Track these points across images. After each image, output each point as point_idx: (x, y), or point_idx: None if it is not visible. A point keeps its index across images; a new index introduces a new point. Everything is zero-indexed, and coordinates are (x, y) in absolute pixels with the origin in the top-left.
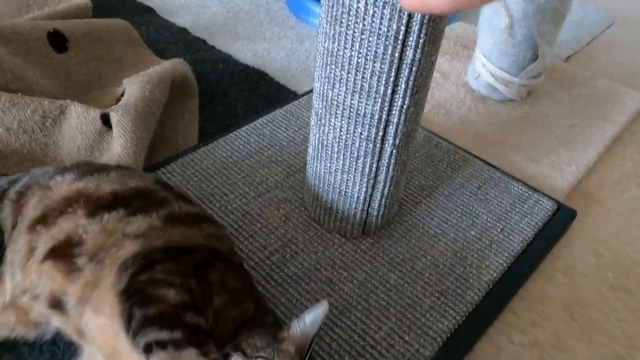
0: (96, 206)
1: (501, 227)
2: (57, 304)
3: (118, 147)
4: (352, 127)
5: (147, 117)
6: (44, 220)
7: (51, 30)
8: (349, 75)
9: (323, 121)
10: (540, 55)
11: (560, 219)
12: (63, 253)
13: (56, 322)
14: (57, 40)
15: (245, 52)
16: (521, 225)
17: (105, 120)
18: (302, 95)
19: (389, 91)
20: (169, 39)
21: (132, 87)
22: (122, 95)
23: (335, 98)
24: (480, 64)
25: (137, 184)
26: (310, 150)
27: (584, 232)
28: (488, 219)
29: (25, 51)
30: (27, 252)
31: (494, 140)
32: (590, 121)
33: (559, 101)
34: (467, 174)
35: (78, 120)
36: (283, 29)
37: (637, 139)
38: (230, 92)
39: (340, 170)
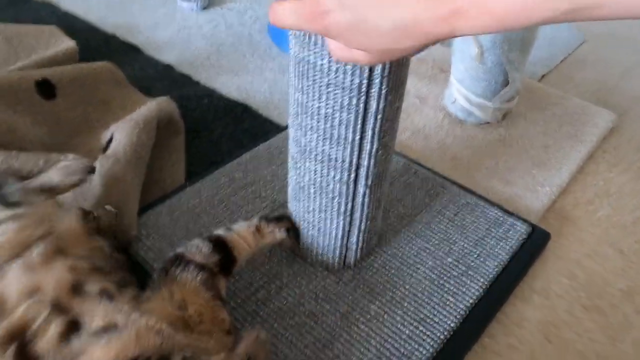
0: None
1: (477, 252)
2: None
3: (112, 197)
4: (325, 171)
5: (137, 163)
6: None
7: (39, 79)
8: (319, 124)
9: (299, 164)
10: (511, 82)
11: (535, 242)
12: None
13: None
14: (45, 88)
15: (229, 85)
16: (496, 249)
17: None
18: (285, 128)
19: (357, 138)
20: (154, 76)
21: (121, 134)
22: (110, 141)
23: (308, 144)
24: (455, 89)
25: None
26: (289, 190)
27: (559, 252)
28: (465, 245)
29: (15, 102)
30: None
31: (471, 164)
32: (563, 141)
33: (534, 122)
34: (444, 200)
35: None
36: (265, 60)
37: (609, 157)
38: (215, 128)
39: (317, 210)
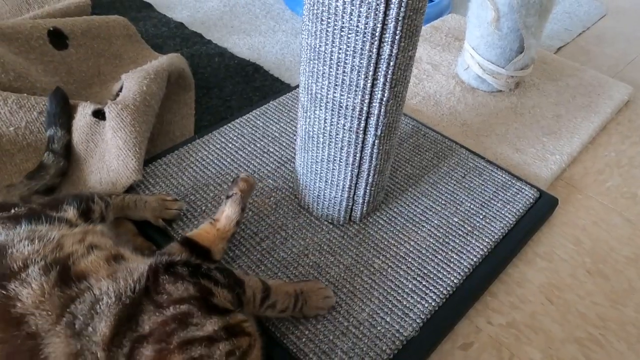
0: None
1: (483, 214)
2: None
3: (119, 140)
4: (335, 119)
5: (146, 110)
6: None
7: (51, 29)
8: (331, 69)
9: (308, 113)
10: (526, 48)
11: (542, 207)
12: None
13: None
14: (57, 38)
15: (241, 45)
16: (503, 212)
17: (97, 113)
18: (295, 87)
19: (369, 85)
20: (166, 33)
21: (130, 82)
22: (121, 90)
23: (319, 91)
24: (469, 56)
25: None
26: (298, 140)
27: (565, 219)
28: (471, 206)
29: (27, 50)
30: None
31: (481, 130)
32: (576, 112)
33: (547, 92)
34: (452, 163)
35: (75, 117)
36: (278, 22)
37: (622, 129)
38: (226, 86)
39: (325, 160)
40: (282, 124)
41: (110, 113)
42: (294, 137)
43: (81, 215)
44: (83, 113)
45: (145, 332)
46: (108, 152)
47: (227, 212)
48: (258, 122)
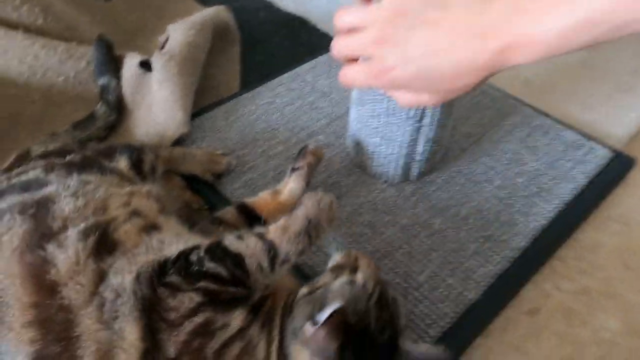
0: None
1: (551, 175)
2: None
3: (165, 91)
4: None
5: (192, 62)
6: None
7: None
8: None
9: None
10: None
11: (617, 167)
12: None
13: None
14: None
15: None
16: (573, 173)
17: (143, 64)
18: None
19: None
20: None
21: (176, 33)
22: (167, 42)
23: None
24: None
25: None
26: (353, 93)
27: None
28: (537, 167)
29: (77, 1)
30: None
31: (546, 87)
32: None
33: (623, 44)
34: (515, 121)
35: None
36: None
37: None
38: (271, 40)
39: (384, 114)
40: (332, 79)
41: (156, 64)
42: (345, 93)
43: (133, 166)
44: (129, 64)
45: (173, 355)
46: (155, 105)
47: (291, 186)
48: (307, 77)
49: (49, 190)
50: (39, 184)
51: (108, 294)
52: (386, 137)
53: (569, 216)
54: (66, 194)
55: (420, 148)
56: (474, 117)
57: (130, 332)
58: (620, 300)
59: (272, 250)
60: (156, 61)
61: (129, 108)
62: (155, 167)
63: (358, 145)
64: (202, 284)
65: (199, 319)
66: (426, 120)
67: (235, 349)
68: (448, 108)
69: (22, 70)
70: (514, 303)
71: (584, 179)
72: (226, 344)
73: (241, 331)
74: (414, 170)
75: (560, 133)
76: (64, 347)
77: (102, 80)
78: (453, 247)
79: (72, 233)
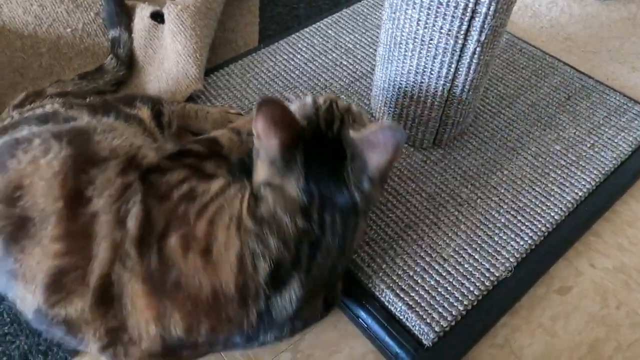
0: None
1: (592, 142)
2: None
3: (178, 45)
4: (431, 20)
5: (207, 13)
6: None
7: None
8: None
9: (398, 14)
10: None
11: None
12: None
13: None
14: None
15: None
16: (616, 140)
17: (155, 16)
18: None
19: None
20: None
21: None
22: None
23: None
24: None
25: None
26: (380, 49)
27: None
28: (576, 133)
29: None
30: None
31: (589, 45)
32: None
33: None
34: (554, 82)
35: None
36: None
37: None
38: None
39: (414, 72)
40: (356, 35)
41: (169, 15)
42: (370, 50)
43: (154, 117)
44: (141, 15)
45: (163, 226)
46: (167, 59)
47: None
48: (330, 31)
49: (80, 123)
50: (63, 117)
51: (129, 195)
52: (415, 98)
53: (608, 188)
54: (102, 129)
55: (451, 111)
56: (508, 77)
57: (133, 226)
58: None
59: (235, 130)
60: (169, 12)
61: (141, 63)
62: (171, 122)
63: (384, 107)
64: (189, 160)
65: (185, 187)
66: (459, 81)
67: (213, 207)
68: (484, 68)
69: (28, 20)
70: (544, 280)
71: (628, 148)
72: (205, 205)
73: (217, 195)
74: (444, 135)
75: (604, 96)
76: (83, 253)
77: (113, 33)
78: (482, 219)
79: (112, 164)
